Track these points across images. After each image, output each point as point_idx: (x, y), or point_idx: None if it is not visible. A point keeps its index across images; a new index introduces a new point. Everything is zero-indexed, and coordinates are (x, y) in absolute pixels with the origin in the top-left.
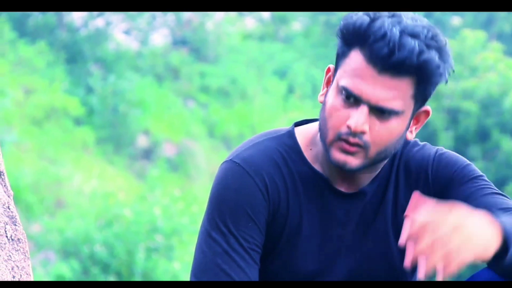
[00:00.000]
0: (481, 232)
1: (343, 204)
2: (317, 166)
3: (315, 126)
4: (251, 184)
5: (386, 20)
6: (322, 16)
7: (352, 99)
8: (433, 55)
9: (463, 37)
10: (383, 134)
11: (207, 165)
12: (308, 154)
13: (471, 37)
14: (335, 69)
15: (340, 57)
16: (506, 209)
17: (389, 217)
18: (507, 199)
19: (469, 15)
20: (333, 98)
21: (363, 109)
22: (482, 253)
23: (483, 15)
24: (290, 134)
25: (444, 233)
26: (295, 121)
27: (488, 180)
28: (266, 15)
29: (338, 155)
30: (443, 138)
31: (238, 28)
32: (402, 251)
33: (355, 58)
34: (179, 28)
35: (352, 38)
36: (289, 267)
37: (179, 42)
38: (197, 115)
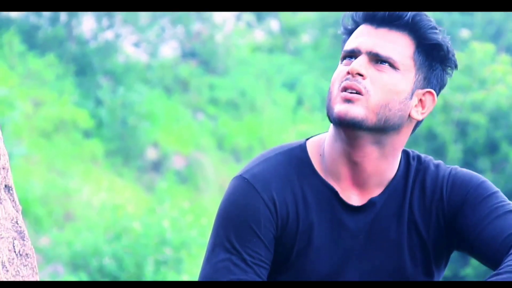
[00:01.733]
0: None
1: (353, 216)
2: (327, 177)
3: (326, 133)
4: (258, 200)
5: None
6: (331, 29)
7: (352, 57)
8: (428, 17)
9: (472, 49)
10: (382, 83)
11: (216, 177)
12: (319, 165)
13: (480, 50)
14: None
15: (343, 45)
16: None
17: (405, 230)
18: None
19: (478, 27)
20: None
21: (361, 57)
22: None
23: (492, 28)
24: (302, 148)
25: None
26: (305, 133)
27: (503, 196)
28: (275, 27)
29: (340, 107)
30: (452, 151)
31: (247, 40)
32: (415, 264)
33: (356, 30)
34: (188, 40)
35: (351, 23)
36: (300, 277)
37: (188, 54)
38: (206, 128)
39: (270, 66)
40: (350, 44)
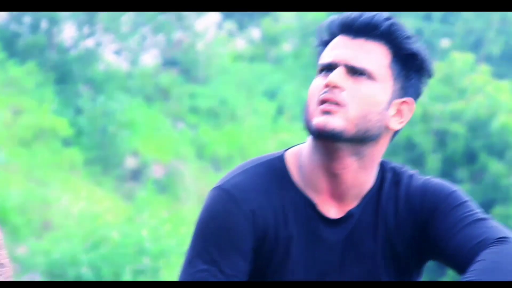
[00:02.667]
0: None
1: (331, 229)
2: (306, 189)
3: (304, 144)
4: (237, 212)
5: None
6: (312, 38)
7: (329, 70)
8: (404, 27)
9: (452, 59)
10: (360, 94)
11: (196, 186)
12: (297, 177)
13: (460, 60)
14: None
15: (318, 57)
16: (483, 241)
17: (380, 242)
18: (489, 225)
19: (458, 37)
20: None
21: (339, 69)
22: None
23: (471, 38)
24: (280, 159)
25: None
26: (285, 142)
27: (473, 205)
28: (256, 36)
29: (318, 119)
30: (431, 160)
31: (228, 49)
32: (389, 275)
33: (332, 42)
34: (169, 48)
35: (328, 34)
36: None
37: (169, 62)
38: (186, 136)
39: (251, 74)
40: (326, 57)
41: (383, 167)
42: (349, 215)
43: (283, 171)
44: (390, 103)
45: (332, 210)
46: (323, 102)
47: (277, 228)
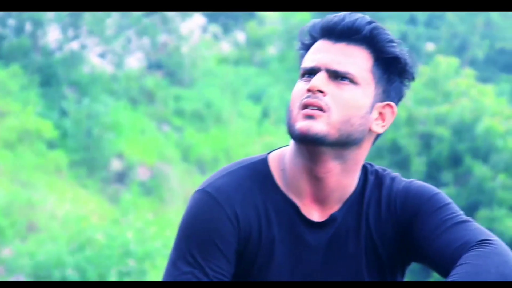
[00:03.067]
0: None
1: (314, 232)
2: (289, 192)
3: (287, 148)
4: (221, 214)
5: None
6: (297, 41)
7: (311, 74)
8: (385, 31)
9: (437, 63)
10: (343, 99)
11: (181, 189)
12: (280, 180)
13: (444, 63)
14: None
15: (300, 61)
16: (465, 244)
17: (362, 245)
18: (471, 227)
19: (442, 41)
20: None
21: (321, 73)
22: None
23: (456, 42)
24: (264, 162)
25: None
26: (270, 145)
27: (455, 208)
28: (241, 39)
29: (301, 123)
30: (416, 163)
31: (213, 52)
32: (371, 273)
33: (313, 46)
34: (154, 51)
35: (309, 38)
36: None
37: (154, 65)
38: (172, 139)
39: (236, 78)
40: (308, 61)
41: (365, 169)
42: (332, 219)
43: (266, 174)
44: (372, 106)
45: (315, 214)
46: (305, 106)
47: (260, 230)
